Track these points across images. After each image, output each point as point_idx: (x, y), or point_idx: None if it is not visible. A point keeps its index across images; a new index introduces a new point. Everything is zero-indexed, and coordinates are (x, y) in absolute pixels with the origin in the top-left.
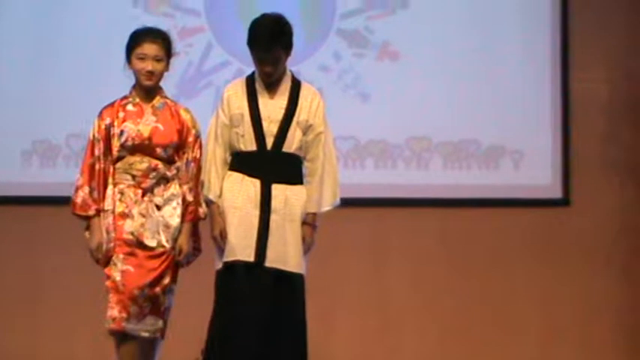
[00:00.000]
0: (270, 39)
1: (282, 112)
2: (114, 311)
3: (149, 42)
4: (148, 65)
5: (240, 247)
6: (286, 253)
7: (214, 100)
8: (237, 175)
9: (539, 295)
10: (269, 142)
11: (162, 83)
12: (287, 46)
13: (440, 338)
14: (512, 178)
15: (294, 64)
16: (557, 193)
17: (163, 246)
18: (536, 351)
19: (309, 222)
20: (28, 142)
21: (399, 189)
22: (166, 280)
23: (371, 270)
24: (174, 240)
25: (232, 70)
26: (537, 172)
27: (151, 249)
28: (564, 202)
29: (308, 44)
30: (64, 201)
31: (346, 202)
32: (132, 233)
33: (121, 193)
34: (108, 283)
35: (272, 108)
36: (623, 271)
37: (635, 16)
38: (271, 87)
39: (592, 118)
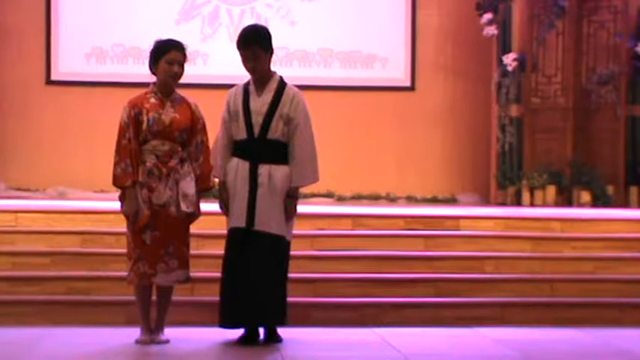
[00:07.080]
0: (248, 39)
1: (267, 106)
2: (145, 268)
3: (177, 50)
4: (175, 68)
5: (235, 216)
6: (270, 219)
7: (202, 23)
8: (235, 160)
9: (397, 143)
10: (256, 130)
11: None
12: (265, 46)
13: (336, 171)
14: (381, 74)
15: (251, 2)
16: (407, 83)
17: (184, 211)
18: (395, 174)
19: (291, 194)
20: (88, 48)
21: (312, 80)
22: (188, 239)
23: None
24: (193, 205)
25: (212, 5)
26: (396, 70)
27: (175, 215)
28: (412, 88)
29: None
30: (111, 85)
31: None
32: (158, 204)
33: (149, 170)
34: (135, 243)
35: (259, 104)
36: (446, 130)
37: None
38: (260, 88)
39: (429, 38)
